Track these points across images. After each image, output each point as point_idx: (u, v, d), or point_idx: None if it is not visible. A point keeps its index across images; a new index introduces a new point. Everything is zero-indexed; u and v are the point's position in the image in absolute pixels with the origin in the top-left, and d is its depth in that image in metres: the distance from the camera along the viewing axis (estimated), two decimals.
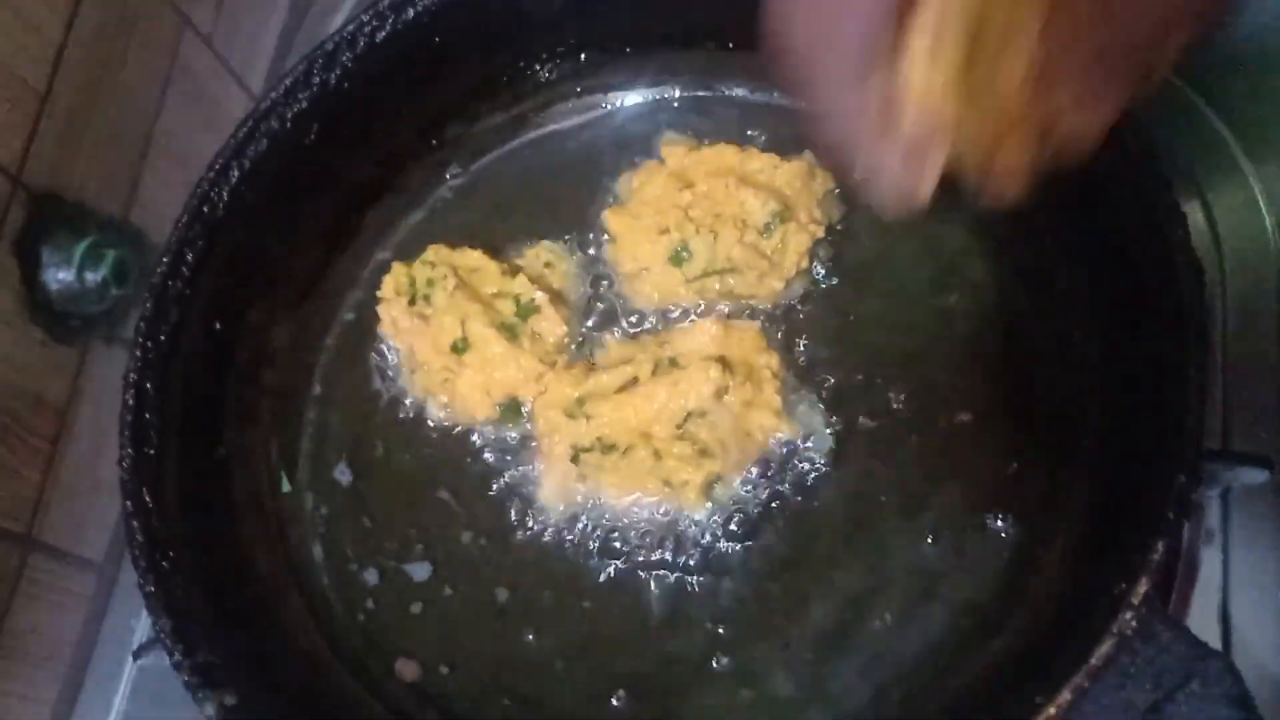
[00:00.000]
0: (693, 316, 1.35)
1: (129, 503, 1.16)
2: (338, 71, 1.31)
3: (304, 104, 1.30)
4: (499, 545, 1.31)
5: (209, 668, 1.11)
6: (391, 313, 1.36)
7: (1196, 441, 1.02)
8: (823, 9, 0.81)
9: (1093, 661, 0.98)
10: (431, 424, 1.36)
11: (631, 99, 1.48)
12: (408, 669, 1.27)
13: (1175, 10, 0.82)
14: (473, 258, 1.37)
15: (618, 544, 1.28)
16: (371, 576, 1.32)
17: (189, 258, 1.25)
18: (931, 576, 1.22)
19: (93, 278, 1.37)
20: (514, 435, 1.34)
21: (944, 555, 1.22)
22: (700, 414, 1.26)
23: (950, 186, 0.93)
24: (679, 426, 1.26)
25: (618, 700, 1.23)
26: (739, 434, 1.27)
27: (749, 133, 1.42)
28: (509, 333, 1.32)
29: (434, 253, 1.38)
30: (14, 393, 1.30)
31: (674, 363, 1.28)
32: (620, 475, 1.26)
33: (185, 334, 1.25)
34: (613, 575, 1.27)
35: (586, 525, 1.29)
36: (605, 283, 1.40)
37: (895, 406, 1.29)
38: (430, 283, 1.34)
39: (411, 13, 1.31)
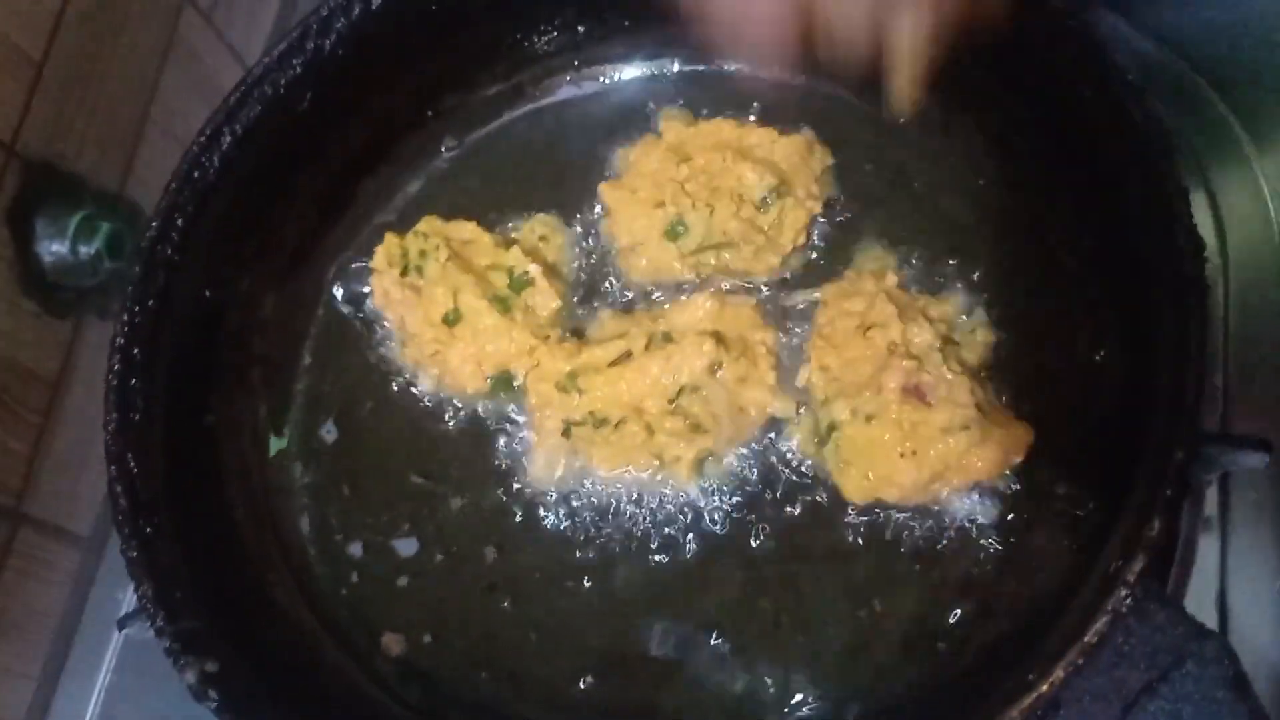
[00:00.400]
0: (688, 291, 1.34)
1: (113, 467, 1.15)
2: (332, 38, 1.30)
3: (298, 70, 1.29)
4: (487, 520, 1.29)
5: (191, 634, 1.09)
6: (383, 283, 1.35)
7: (1195, 419, 1.00)
8: None
9: (1087, 639, 0.97)
10: (422, 396, 1.35)
11: (629, 72, 1.47)
12: (393, 643, 1.26)
13: None
14: (466, 229, 1.36)
15: (608, 519, 1.26)
16: (358, 549, 1.31)
17: (179, 223, 1.24)
18: (927, 554, 1.21)
19: (87, 250, 1.36)
20: (505, 408, 1.33)
21: (940, 532, 1.21)
22: (693, 389, 1.24)
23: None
24: (671, 401, 1.24)
25: (600, 679, 1.23)
26: (732, 410, 1.25)
27: (747, 108, 1.41)
28: (501, 305, 1.30)
29: (427, 224, 1.36)
30: (5, 365, 1.29)
31: (668, 337, 1.27)
32: (612, 450, 1.25)
33: (174, 300, 1.23)
34: (602, 552, 1.26)
35: (577, 500, 1.28)
36: (600, 256, 1.38)
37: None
38: (423, 254, 1.32)
39: None
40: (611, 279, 1.37)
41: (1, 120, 1.27)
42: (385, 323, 1.39)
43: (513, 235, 1.39)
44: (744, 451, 1.27)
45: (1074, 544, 1.14)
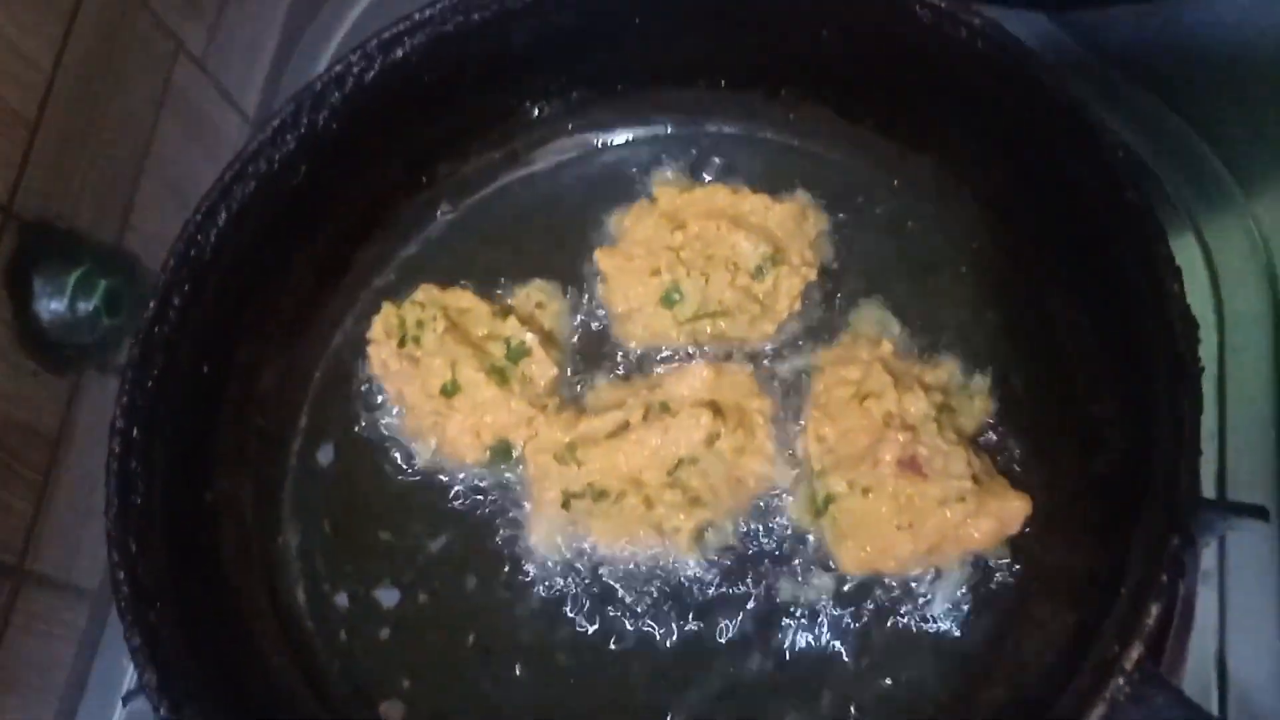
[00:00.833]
0: (685, 358, 1.34)
1: (115, 553, 1.15)
2: (326, 112, 1.29)
3: (292, 145, 1.29)
4: (488, 590, 1.30)
5: None
6: (381, 354, 1.34)
7: (1192, 505, 1.00)
8: None
9: None
10: (420, 467, 1.35)
11: (622, 136, 1.47)
12: (393, 712, 1.27)
13: None
14: (463, 298, 1.36)
15: (607, 591, 1.27)
16: (356, 620, 1.32)
17: (176, 302, 1.23)
18: (923, 626, 1.21)
19: (85, 308, 1.37)
20: (504, 479, 1.33)
21: (936, 604, 1.21)
22: (691, 461, 1.25)
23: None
24: (670, 473, 1.25)
25: None
26: (730, 481, 1.26)
27: (741, 171, 1.41)
28: (499, 376, 1.31)
29: (424, 293, 1.36)
30: (5, 424, 1.30)
31: (665, 407, 1.27)
32: (611, 522, 1.26)
33: (172, 378, 1.23)
34: (601, 624, 1.26)
35: (576, 571, 1.28)
36: (596, 323, 1.38)
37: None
38: (420, 324, 1.32)
39: (400, 52, 1.29)
40: (608, 345, 1.37)
41: None
42: (383, 394, 1.38)
43: (509, 302, 1.39)
44: (743, 521, 1.27)
45: (1071, 618, 1.14)
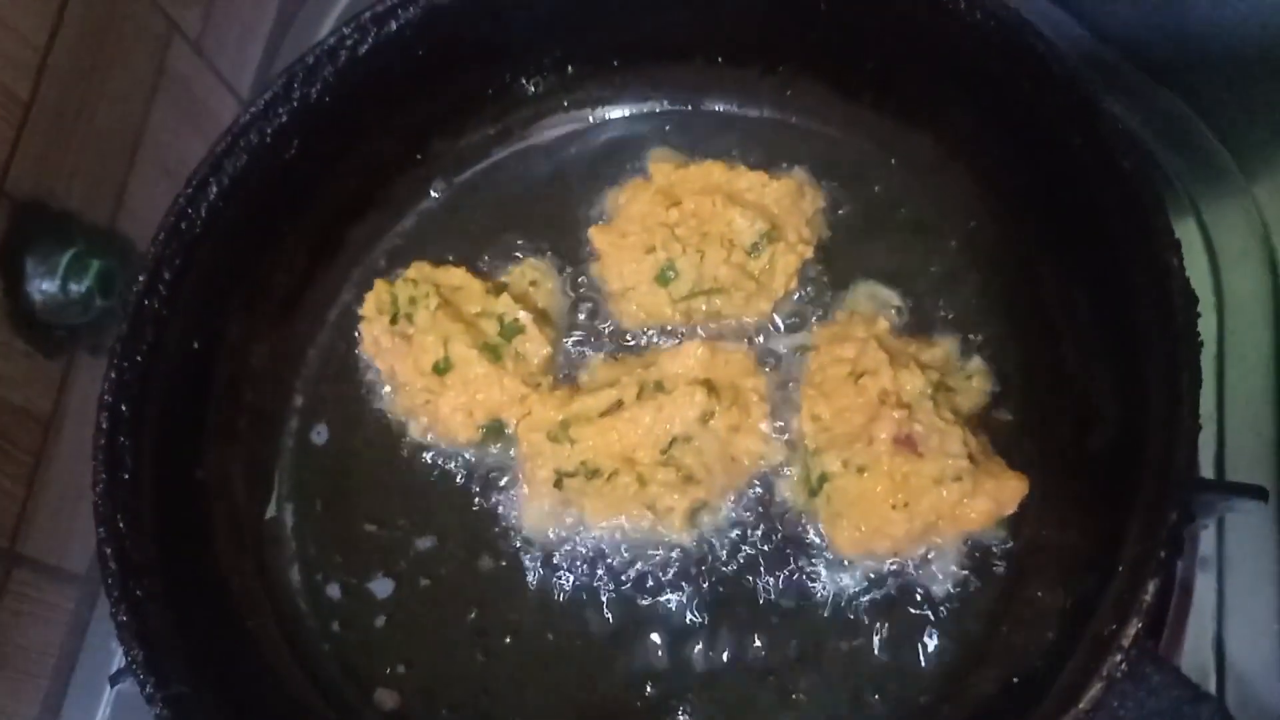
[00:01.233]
0: (680, 336, 1.33)
1: (102, 529, 1.14)
2: (318, 85, 1.28)
3: (284, 118, 1.28)
4: (480, 571, 1.29)
5: (181, 700, 1.09)
6: (373, 332, 1.33)
7: (1188, 479, 1.00)
8: None
9: (1081, 705, 0.97)
10: (412, 445, 1.34)
11: (618, 113, 1.46)
12: (387, 698, 1.26)
13: None
14: (456, 276, 1.35)
15: (600, 571, 1.26)
16: (347, 600, 1.31)
17: (166, 276, 1.23)
18: (918, 607, 1.20)
19: (78, 289, 1.36)
20: (496, 457, 1.32)
21: (932, 584, 1.20)
22: (685, 439, 1.24)
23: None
24: (664, 452, 1.24)
25: None
26: (724, 459, 1.25)
27: (737, 148, 1.41)
28: (492, 354, 1.30)
29: (417, 270, 1.35)
30: None
31: (659, 386, 1.26)
32: (604, 501, 1.24)
33: (162, 354, 1.22)
34: (594, 604, 1.26)
35: (569, 551, 1.27)
36: (591, 301, 1.38)
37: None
38: (412, 301, 1.31)
39: (394, 25, 1.28)
40: (602, 324, 1.36)
41: None
42: (375, 371, 1.37)
43: (503, 280, 1.38)
44: (736, 500, 1.26)
45: (1068, 597, 1.13)
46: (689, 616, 1.24)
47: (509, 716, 1.25)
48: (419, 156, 1.45)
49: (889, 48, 1.30)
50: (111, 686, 1.19)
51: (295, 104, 1.28)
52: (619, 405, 1.26)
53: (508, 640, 1.26)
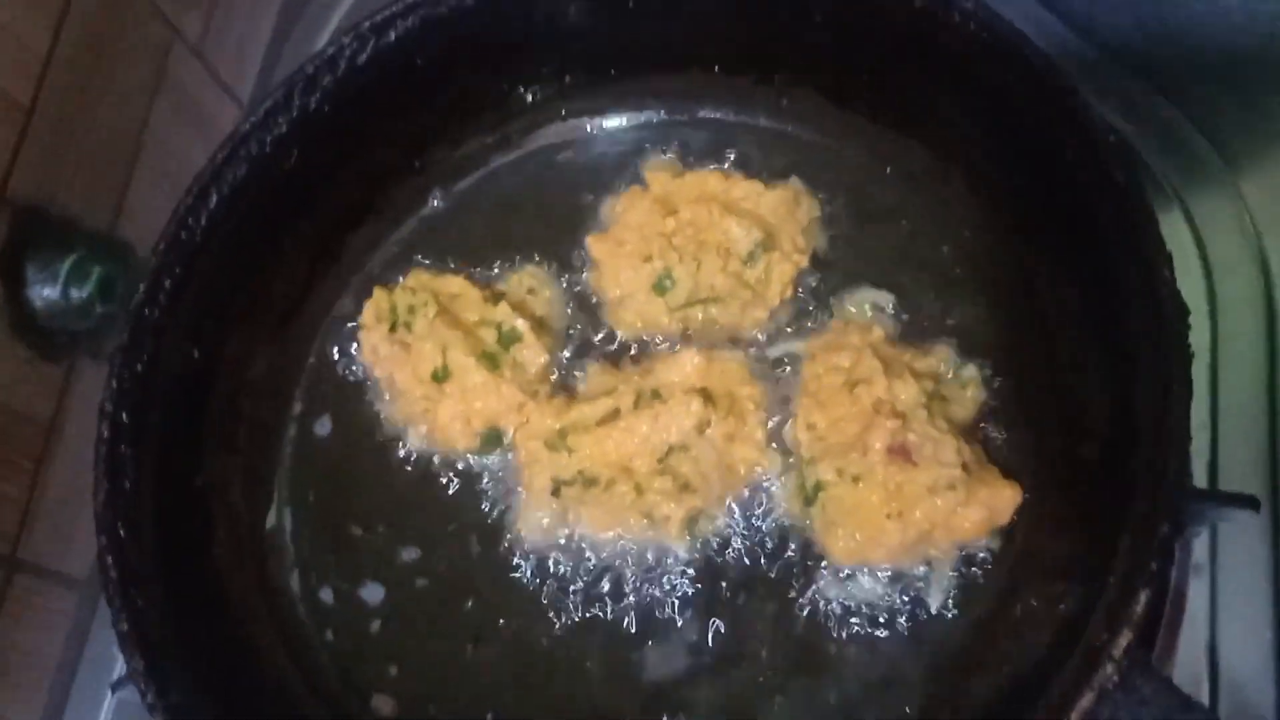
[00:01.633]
0: (676, 345, 1.34)
1: (104, 537, 1.15)
2: (318, 95, 1.29)
3: (284, 128, 1.29)
4: (477, 578, 1.30)
5: (182, 708, 1.10)
6: (372, 340, 1.34)
7: (1181, 491, 1.00)
8: None
9: (1072, 716, 0.97)
10: (411, 453, 1.35)
11: (615, 122, 1.47)
12: (385, 705, 1.27)
13: None
14: (454, 284, 1.36)
15: (597, 579, 1.27)
16: (345, 607, 1.32)
17: (166, 285, 1.23)
18: (912, 615, 1.21)
19: (78, 294, 1.36)
20: (494, 465, 1.33)
21: (926, 592, 1.21)
22: (682, 448, 1.25)
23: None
24: (660, 460, 1.25)
25: None
26: (721, 467, 1.26)
27: (732, 156, 1.41)
28: (490, 362, 1.30)
29: (415, 278, 1.36)
30: None
31: (656, 394, 1.27)
32: (601, 509, 1.25)
33: (162, 363, 1.23)
34: (591, 612, 1.26)
35: (566, 559, 1.28)
36: (588, 309, 1.38)
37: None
38: (411, 310, 1.32)
39: (393, 35, 1.29)
40: (600, 331, 1.37)
41: None
42: (374, 379, 1.38)
43: (500, 288, 1.39)
44: (732, 509, 1.26)
45: (1061, 606, 1.13)
46: (685, 624, 1.24)
47: None
48: (418, 165, 1.46)
49: (883, 58, 1.30)
50: (113, 693, 1.19)
51: (295, 113, 1.29)
52: (616, 414, 1.27)
53: (504, 647, 1.27)
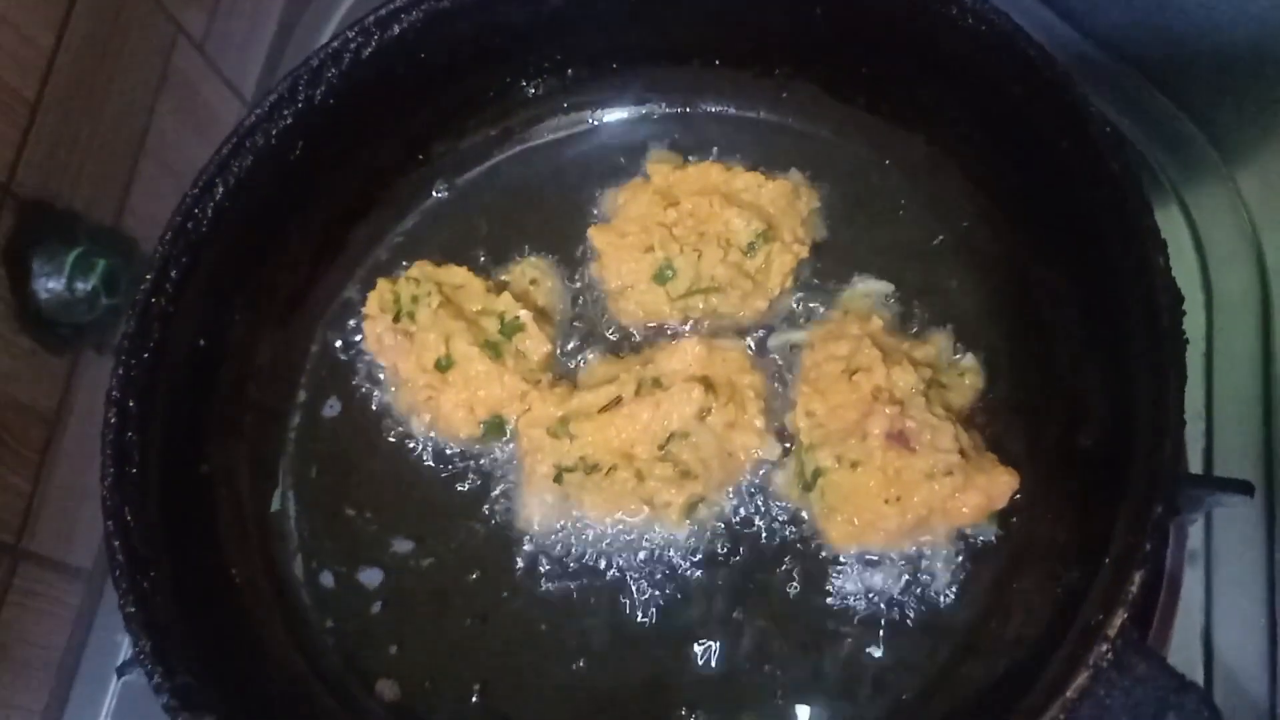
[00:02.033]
0: (678, 334, 1.35)
1: (110, 522, 1.16)
2: (323, 88, 1.30)
3: (289, 120, 1.30)
4: (480, 565, 1.31)
5: (189, 689, 1.10)
6: (376, 329, 1.35)
7: (1174, 472, 1.01)
8: None
9: (1068, 694, 0.98)
10: (415, 441, 1.36)
11: (617, 114, 1.48)
12: (388, 689, 1.28)
13: None
14: (457, 274, 1.37)
15: (599, 565, 1.28)
16: (347, 592, 1.33)
17: (173, 274, 1.24)
18: (910, 599, 1.22)
19: (83, 287, 1.37)
20: (497, 452, 1.34)
21: (923, 577, 1.22)
22: (683, 435, 1.26)
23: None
24: (661, 447, 1.26)
25: None
26: (721, 454, 1.27)
27: (734, 149, 1.42)
28: (493, 351, 1.31)
29: (419, 269, 1.37)
30: (3, 403, 1.31)
31: (657, 382, 1.28)
32: (603, 495, 1.26)
33: (169, 351, 1.24)
34: (594, 598, 1.27)
35: (568, 545, 1.29)
36: (590, 299, 1.39)
37: None
38: (415, 299, 1.33)
39: (397, 29, 1.30)
40: (602, 321, 1.38)
41: None
42: (378, 368, 1.39)
43: (503, 279, 1.40)
44: (733, 495, 1.28)
45: (1058, 590, 1.15)
46: (685, 609, 1.26)
47: (508, 710, 1.26)
48: (421, 157, 1.47)
49: (882, 52, 1.31)
50: (118, 677, 1.20)
51: (300, 106, 1.30)
52: (618, 401, 1.27)
53: (506, 633, 1.28)
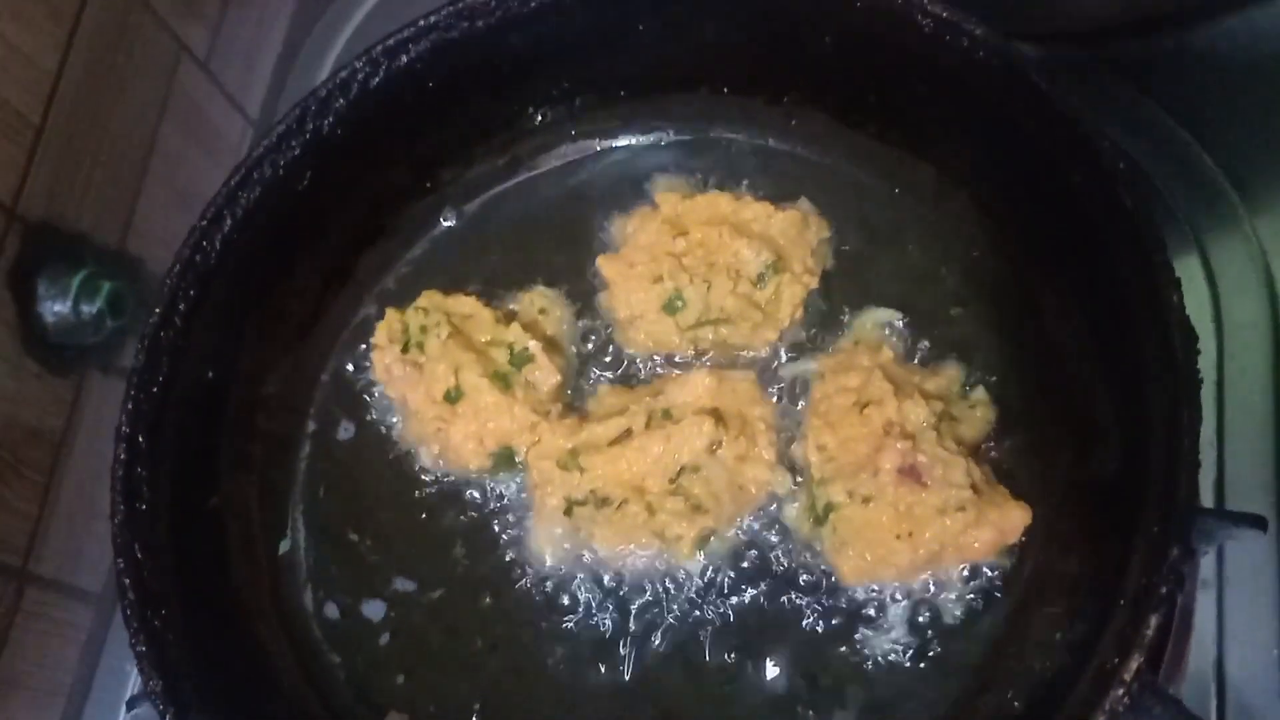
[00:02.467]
0: (687, 365, 1.35)
1: (120, 559, 1.16)
2: (330, 118, 1.30)
3: (297, 151, 1.29)
4: (490, 598, 1.30)
5: None
6: (385, 360, 1.35)
7: (1189, 514, 1.00)
8: None
9: None
10: (424, 473, 1.36)
11: (625, 142, 1.48)
12: None
13: None
14: (466, 304, 1.37)
15: (609, 599, 1.27)
16: (362, 625, 1.32)
17: (181, 307, 1.24)
18: (922, 636, 1.22)
19: (89, 309, 1.38)
20: (507, 485, 1.34)
21: (935, 613, 1.22)
22: (694, 468, 1.25)
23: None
24: (672, 481, 1.25)
25: None
26: (732, 488, 1.26)
27: (742, 177, 1.42)
28: (502, 382, 1.31)
29: (427, 299, 1.37)
30: (9, 426, 1.31)
31: (667, 414, 1.28)
32: (613, 529, 1.26)
33: (177, 384, 1.24)
34: (603, 631, 1.27)
35: (579, 579, 1.28)
36: (599, 329, 1.39)
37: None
38: (424, 330, 1.33)
39: (404, 58, 1.30)
40: (611, 352, 1.38)
41: (2, 184, 1.28)
42: (387, 398, 1.39)
43: (512, 308, 1.40)
44: (744, 527, 1.28)
45: (1071, 625, 1.14)
46: (696, 643, 1.25)
47: None
48: (429, 185, 1.46)
49: (892, 81, 1.31)
50: (128, 710, 1.20)
51: (308, 136, 1.30)
52: (628, 434, 1.27)
53: (516, 667, 1.28)
